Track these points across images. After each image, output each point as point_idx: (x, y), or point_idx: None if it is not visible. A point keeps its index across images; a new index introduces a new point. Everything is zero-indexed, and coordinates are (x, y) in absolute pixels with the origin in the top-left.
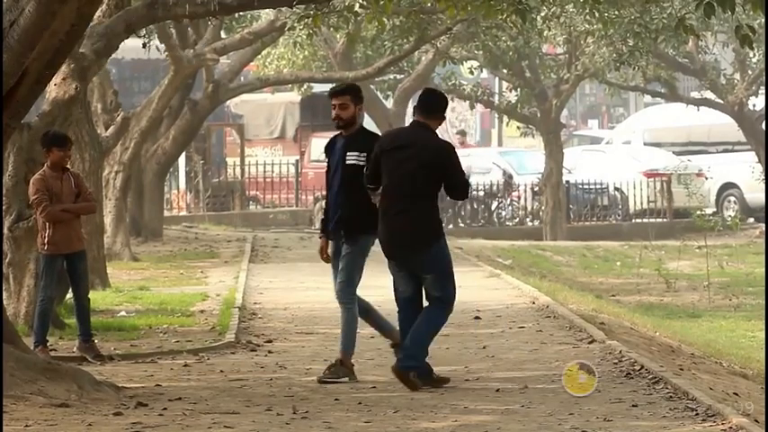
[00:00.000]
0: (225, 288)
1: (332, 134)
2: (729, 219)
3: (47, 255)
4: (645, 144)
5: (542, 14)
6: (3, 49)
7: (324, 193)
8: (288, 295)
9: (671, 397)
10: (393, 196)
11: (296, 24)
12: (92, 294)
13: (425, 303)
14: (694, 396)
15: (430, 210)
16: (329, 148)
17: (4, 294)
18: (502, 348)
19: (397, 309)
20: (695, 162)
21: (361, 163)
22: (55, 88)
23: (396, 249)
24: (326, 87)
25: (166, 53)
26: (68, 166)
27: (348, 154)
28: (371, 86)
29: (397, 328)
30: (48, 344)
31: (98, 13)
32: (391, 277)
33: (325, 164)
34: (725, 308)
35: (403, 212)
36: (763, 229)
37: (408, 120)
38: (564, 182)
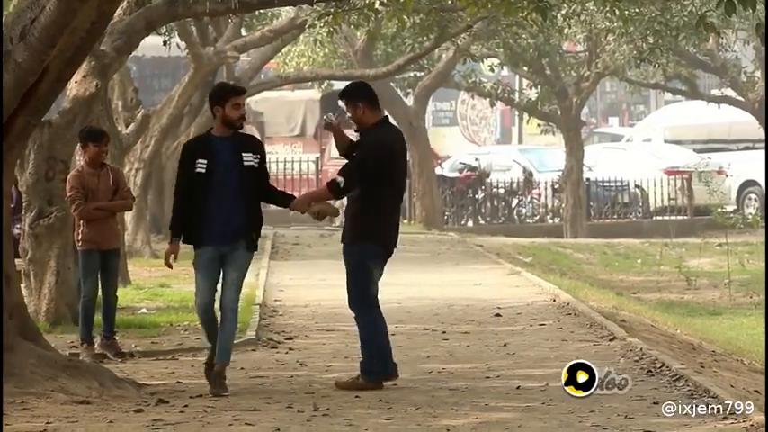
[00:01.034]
0: (245, 285)
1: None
2: (750, 216)
3: (82, 251)
4: (665, 142)
5: (563, 12)
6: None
7: None
8: (308, 292)
9: (692, 394)
10: (395, 197)
11: (316, 22)
12: None
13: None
14: (715, 393)
15: None
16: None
17: (25, 291)
18: (522, 346)
19: (370, 313)
20: (716, 159)
21: None
22: (75, 86)
23: (393, 248)
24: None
25: (187, 51)
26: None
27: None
28: (392, 84)
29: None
30: (93, 341)
31: (118, 11)
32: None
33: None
34: (746, 305)
35: (398, 212)
36: None
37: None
38: (584, 179)
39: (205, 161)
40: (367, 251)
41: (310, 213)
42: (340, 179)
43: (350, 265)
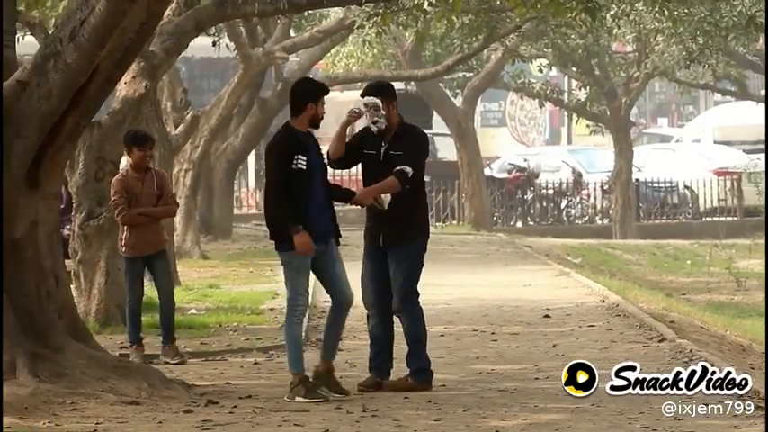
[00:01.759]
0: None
1: None
2: None
3: (126, 257)
4: (715, 142)
5: (612, 12)
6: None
7: None
8: (356, 293)
9: (742, 396)
10: None
11: (365, 22)
12: None
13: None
14: (765, 395)
15: None
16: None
17: (75, 292)
18: (572, 347)
19: (420, 308)
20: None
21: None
22: (125, 87)
23: None
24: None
25: (236, 51)
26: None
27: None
28: (440, 84)
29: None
30: (143, 342)
31: (168, 12)
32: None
33: None
34: None
35: None
36: None
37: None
38: (633, 180)
39: (305, 158)
40: (425, 245)
41: (374, 206)
42: (408, 169)
43: (414, 260)
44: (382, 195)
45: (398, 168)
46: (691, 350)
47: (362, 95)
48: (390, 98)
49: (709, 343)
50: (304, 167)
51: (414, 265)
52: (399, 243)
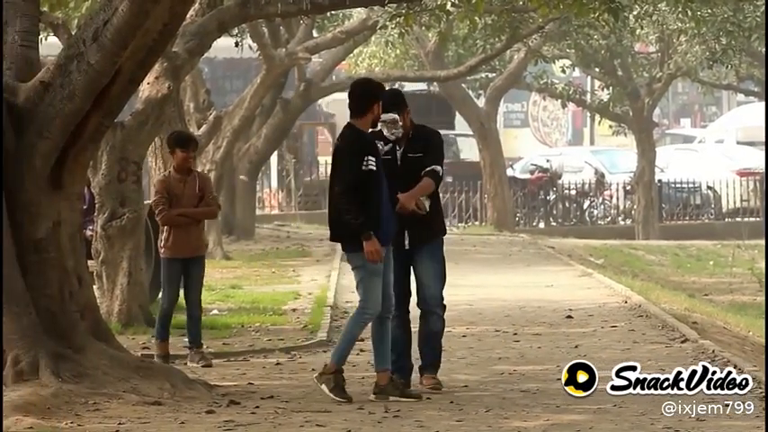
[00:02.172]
0: (317, 287)
1: None
2: None
3: (164, 258)
4: (738, 143)
5: (635, 13)
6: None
7: None
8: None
9: (764, 397)
10: None
11: (388, 23)
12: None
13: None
14: (765, 395)
15: None
16: None
17: (97, 292)
18: (594, 348)
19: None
20: None
21: None
22: (148, 87)
23: None
24: (418, 86)
25: (258, 52)
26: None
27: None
28: (463, 85)
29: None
30: (167, 340)
31: (191, 12)
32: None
33: None
34: None
35: None
36: None
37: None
38: (656, 181)
39: (374, 159)
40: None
41: (415, 211)
42: (438, 168)
43: (441, 257)
44: (422, 198)
45: (429, 168)
46: (713, 351)
47: None
48: (404, 107)
49: (732, 344)
50: (374, 168)
51: (443, 263)
52: (428, 240)
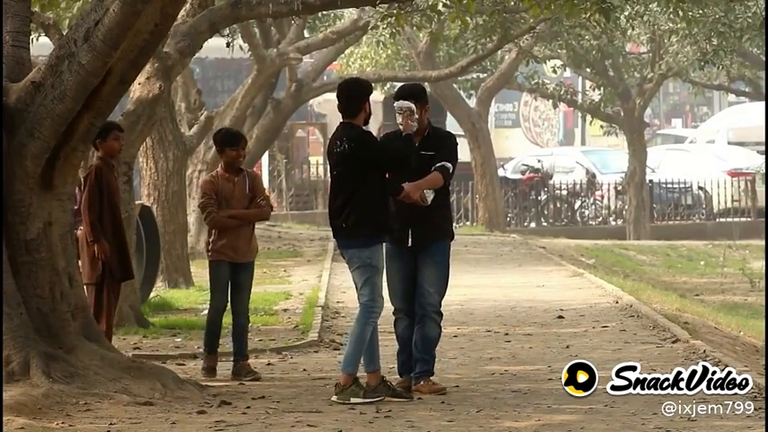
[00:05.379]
0: (308, 287)
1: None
2: None
3: (211, 261)
4: (729, 143)
5: (626, 13)
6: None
7: None
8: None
9: (755, 397)
10: None
11: (379, 23)
12: (175, 293)
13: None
14: (765, 395)
15: None
16: None
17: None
18: (585, 348)
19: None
20: None
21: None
22: (139, 87)
23: None
24: None
25: (250, 52)
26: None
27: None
28: (454, 85)
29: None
30: (216, 353)
31: (182, 13)
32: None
33: None
34: None
35: None
36: None
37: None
38: (647, 181)
39: None
40: (449, 248)
41: (418, 201)
42: (448, 164)
43: (444, 262)
44: (426, 191)
45: (440, 164)
46: (704, 351)
47: (396, 98)
48: (423, 101)
49: (723, 344)
50: None
51: (446, 268)
52: (432, 239)
